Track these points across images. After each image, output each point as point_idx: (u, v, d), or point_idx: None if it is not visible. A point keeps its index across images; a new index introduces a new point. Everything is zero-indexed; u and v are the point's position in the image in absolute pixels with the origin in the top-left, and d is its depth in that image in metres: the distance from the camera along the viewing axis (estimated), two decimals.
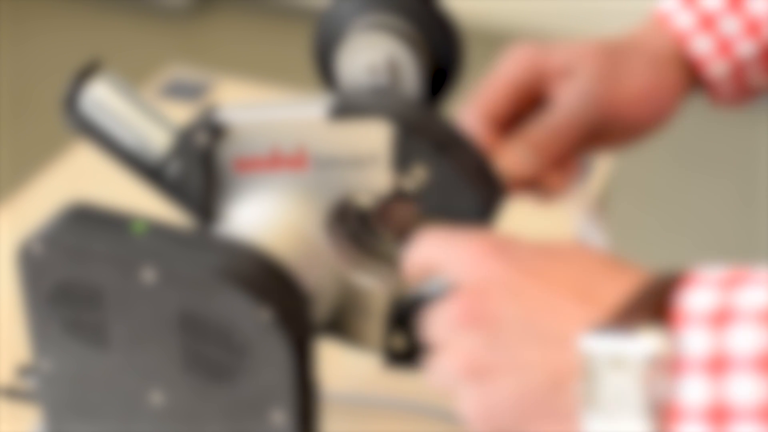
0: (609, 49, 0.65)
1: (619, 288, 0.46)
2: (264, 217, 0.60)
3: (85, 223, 0.57)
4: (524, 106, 0.66)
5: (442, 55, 0.63)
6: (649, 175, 2.47)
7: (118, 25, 3.03)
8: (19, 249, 0.56)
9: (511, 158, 0.63)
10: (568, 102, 0.64)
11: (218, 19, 3.10)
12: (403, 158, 0.57)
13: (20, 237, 0.56)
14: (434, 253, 0.53)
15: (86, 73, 0.62)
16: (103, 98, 0.62)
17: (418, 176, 0.58)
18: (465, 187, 0.57)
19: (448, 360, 0.49)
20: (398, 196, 0.59)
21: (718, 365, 0.42)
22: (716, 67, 0.65)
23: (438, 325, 0.51)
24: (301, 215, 0.60)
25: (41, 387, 0.61)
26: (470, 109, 0.66)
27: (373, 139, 0.58)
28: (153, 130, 0.62)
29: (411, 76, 0.62)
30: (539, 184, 0.65)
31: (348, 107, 0.58)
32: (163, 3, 3.08)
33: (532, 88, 0.66)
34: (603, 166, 1.03)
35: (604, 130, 0.65)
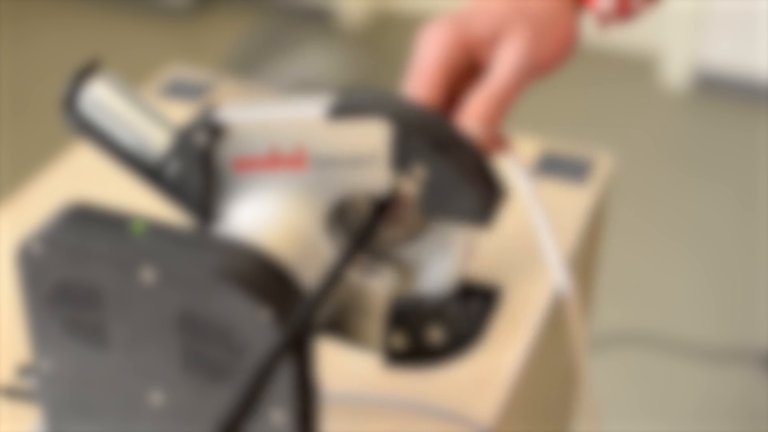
0: (521, 6, 0.68)
1: None
2: (263, 216, 0.60)
3: (84, 223, 0.57)
4: (459, 81, 0.68)
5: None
6: (648, 180, 2.46)
7: (118, 25, 3.03)
8: (18, 249, 0.56)
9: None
10: (507, 65, 0.66)
11: (218, 19, 3.10)
12: (402, 158, 0.57)
13: (20, 237, 0.56)
14: None
15: (86, 73, 0.62)
16: (102, 98, 0.62)
17: (417, 176, 0.58)
18: (464, 187, 0.57)
19: None
20: (397, 196, 0.59)
21: None
22: (603, 3, 0.70)
23: None
24: (300, 215, 0.60)
25: (41, 387, 0.61)
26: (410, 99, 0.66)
27: (372, 138, 0.58)
28: (152, 130, 0.62)
29: None
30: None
31: (347, 107, 0.58)
32: (163, 3, 3.08)
33: (463, 62, 0.67)
34: (603, 171, 1.03)
35: (534, 75, 0.69)
